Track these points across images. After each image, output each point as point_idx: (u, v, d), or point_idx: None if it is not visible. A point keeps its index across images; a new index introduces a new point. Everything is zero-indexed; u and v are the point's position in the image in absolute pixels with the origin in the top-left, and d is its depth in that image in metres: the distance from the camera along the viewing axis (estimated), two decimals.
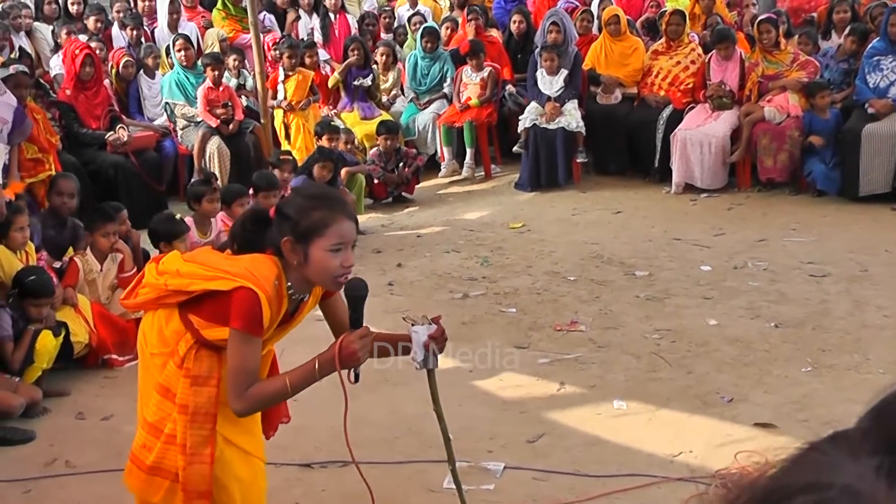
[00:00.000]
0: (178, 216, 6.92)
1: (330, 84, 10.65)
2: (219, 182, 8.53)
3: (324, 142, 8.96)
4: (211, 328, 3.02)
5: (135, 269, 6.38)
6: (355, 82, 10.59)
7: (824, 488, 0.70)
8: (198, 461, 3.07)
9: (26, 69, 7.84)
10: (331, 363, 2.90)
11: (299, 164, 8.88)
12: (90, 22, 11.01)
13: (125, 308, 3.43)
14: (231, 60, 10.59)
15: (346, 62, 10.67)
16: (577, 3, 11.74)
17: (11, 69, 7.58)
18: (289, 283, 3.02)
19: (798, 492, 0.70)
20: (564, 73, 10.03)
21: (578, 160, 10.06)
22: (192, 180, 8.39)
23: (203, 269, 3.02)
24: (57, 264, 6.23)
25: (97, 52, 9.66)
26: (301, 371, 2.94)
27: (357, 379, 2.99)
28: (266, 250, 3.03)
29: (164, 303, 3.14)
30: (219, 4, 11.69)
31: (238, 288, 2.88)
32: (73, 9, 11.47)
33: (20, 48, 10.07)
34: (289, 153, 8.99)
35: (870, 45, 9.31)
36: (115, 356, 6.01)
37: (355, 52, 10.63)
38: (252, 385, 2.92)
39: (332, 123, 9.57)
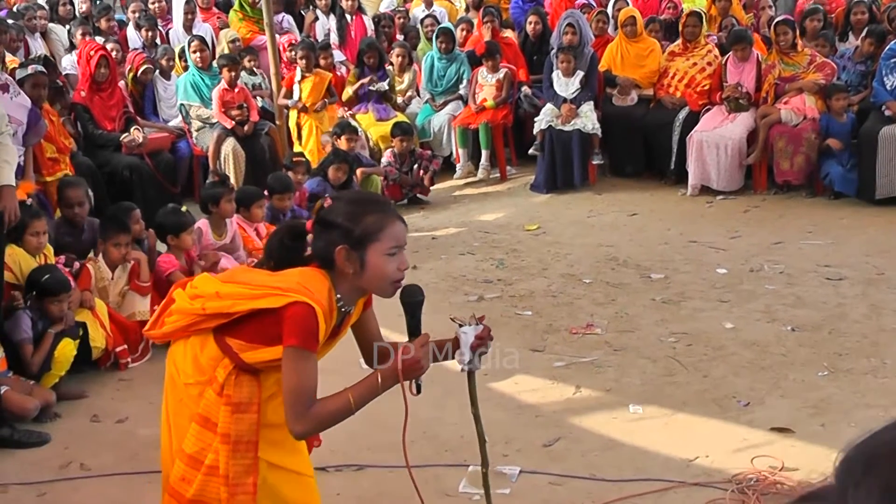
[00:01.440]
0: (184, 209, 6.91)
1: (344, 98, 10.62)
2: (232, 182, 8.54)
3: (342, 143, 8.94)
4: (253, 350, 2.91)
5: (151, 280, 6.34)
6: (370, 87, 10.57)
7: None
8: (241, 491, 2.97)
9: (44, 69, 7.85)
10: (394, 375, 2.81)
11: (312, 165, 8.88)
12: (102, 23, 11.04)
13: (152, 339, 3.29)
14: (246, 61, 10.61)
15: (360, 81, 10.62)
16: (594, 4, 11.69)
17: (30, 69, 7.60)
18: (338, 295, 2.90)
19: None
20: (580, 74, 10.00)
21: (594, 162, 10.04)
22: (207, 182, 8.39)
23: (248, 288, 2.89)
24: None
25: (113, 53, 9.67)
26: (364, 385, 2.83)
27: (419, 390, 2.92)
28: (309, 264, 2.92)
29: (197, 329, 3.01)
30: (235, 6, 11.70)
31: (291, 304, 2.75)
32: (82, 7, 11.49)
33: (44, 57, 10.08)
34: (302, 155, 8.98)
35: (887, 47, 9.26)
36: (126, 347, 6.03)
37: (371, 59, 10.62)
38: (312, 405, 2.79)
39: (351, 125, 9.55)
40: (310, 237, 2.94)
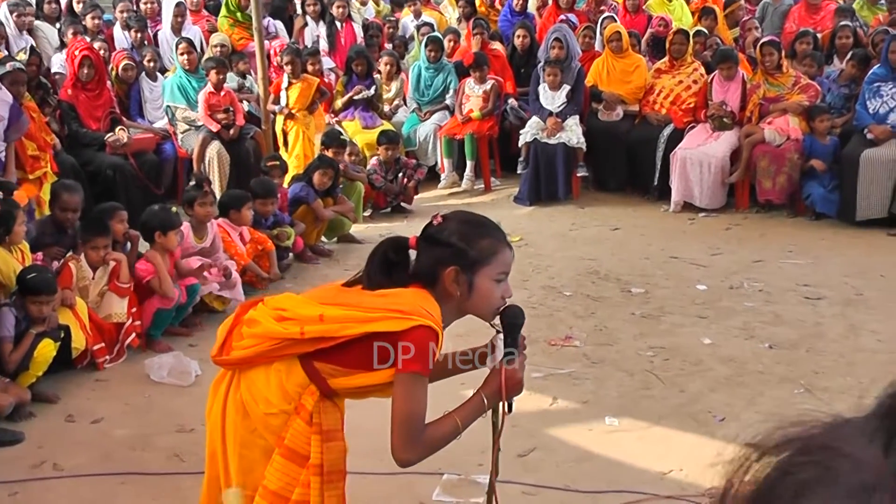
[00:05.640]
0: (173, 209, 6.88)
1: (335, 108, 10.65)
2: (213, 186, 8.50)
3: (329, 154, 8.93)
4: (349, 376, 2.79)
5: (131, 282, 6.31)
6: (357, 96, 10.59)
7: (823, 451, 0.70)
8: None
9: (23, 66, 7.81)
10: (497, 394, 2.77)
11: (297, 171, 8.87)
12: (87, 20, 11.00)
13: (221, 366, 3.05)
14: (241, 63, 10.61)
15: (348, 94, 10.65)
16: (577, 22, 11.60)
17: (8, 66, 7.55)
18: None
19: (806, 452, 0.70)
20: (566, 88, 10.04)
21: (578, 174, 10.07)
22: (187, 185, 8.37)
23: (359, 310, 2.74)
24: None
25: (100, 52, 9.65)
26: (469, 407, 2.78)
27: (511, 409, 2.89)
28: (407, 282, 2.80)
29: (283, 353, 2.83)
30: (224, 11, 11.63)
31: (415, 327, 2.64)
32: (77, 7, 11.46)
33: (31, 47, 10.01)
34: (276, 157, 8.95)
35: (870, 71, 9.33)
36: (103, 346, 6.00)
37: (360, 67, 10.65)
38: (423, 431, 2.71)
39: (342, 137, 9.54)
40: (413, 252, 2.86)
